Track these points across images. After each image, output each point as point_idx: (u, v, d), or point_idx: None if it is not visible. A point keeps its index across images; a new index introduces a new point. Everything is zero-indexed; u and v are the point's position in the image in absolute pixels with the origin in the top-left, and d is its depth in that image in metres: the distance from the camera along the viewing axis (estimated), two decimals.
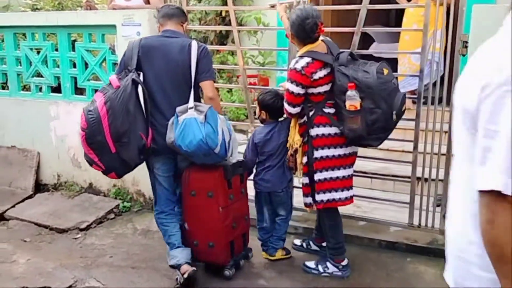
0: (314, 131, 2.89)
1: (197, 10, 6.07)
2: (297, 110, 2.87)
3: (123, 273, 3.20)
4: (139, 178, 3.54)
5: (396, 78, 2.87)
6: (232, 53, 6.01)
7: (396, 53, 5.52)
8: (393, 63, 5.70)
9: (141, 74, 2.96)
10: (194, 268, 2.96)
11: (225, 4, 5.85)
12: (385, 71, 2.69)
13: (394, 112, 2.64)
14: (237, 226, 3.12)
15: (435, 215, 3.45)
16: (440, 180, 3.42)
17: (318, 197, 2.93)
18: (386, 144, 4.60)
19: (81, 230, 3.83)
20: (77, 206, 4.22)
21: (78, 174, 4.54)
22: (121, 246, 3.58)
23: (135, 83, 2.88)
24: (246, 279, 3.08)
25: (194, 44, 2.96)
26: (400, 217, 3.66)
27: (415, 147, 3.48)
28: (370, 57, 6.72)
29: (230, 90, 5.92)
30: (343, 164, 2.90)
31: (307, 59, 2.76)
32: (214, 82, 3.05)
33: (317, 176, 2.91)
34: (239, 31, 4.42)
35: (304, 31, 2.78)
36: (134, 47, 2.98)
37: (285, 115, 3.17)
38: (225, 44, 6.23)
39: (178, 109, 2.88)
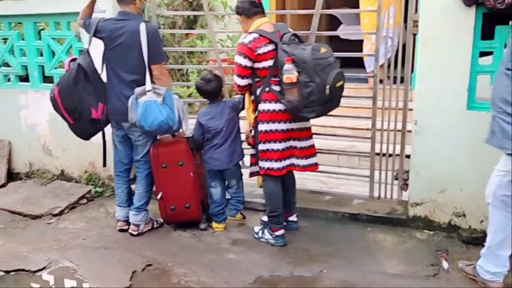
0: (261, 106, 3.11)
1: None
2: (244, 82, 3.10)
3: (96, 253, 3.30)
4: (110, 164, 3.63)
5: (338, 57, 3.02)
6: (201, 38, 6.08)
7: (358, 34, 5.66)
8: (361, 45, 5.90)
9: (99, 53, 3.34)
10: (126, 227, 3.55)
11: None
12: (322, 50, 2.91)
13: (327, 87, 2.82)
14: (203, 186, 3.60)
15: (393, 188, 3.64)
16: (397, 155, 3.61)
17: (261, 164, 3.18)
18: (352, 122, 4.88)
19: (54, 215, 3.91)
20: (50, 193, 4.29)
21: (49, 161, 4.60)
22: (94, 229, 3.68)
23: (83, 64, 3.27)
24: (216, 254, 3.22)
25: (143, 27, 3.17)
26: (363, 191, 3.85)
27: (373, 125, 3.65)
28: (337, 38, 6.93)
29: (199, 75, 6.03)
30: (284, 138, 3.12)
31: (254, 35, 2.99)
32: (164, 64, 3.38)
33: (261, 147, 3.15)
34: (201, 16, 4.50)
35: (248, 3, 3.05)
36: (92, 26, 3.30)
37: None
38: (193, 29, 6.29)
39: (137, 91, 3.18)
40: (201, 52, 6.36)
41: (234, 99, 3.52)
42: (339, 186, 4.14)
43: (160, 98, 3.16)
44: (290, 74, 2.85)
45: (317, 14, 3.72)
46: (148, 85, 3.18)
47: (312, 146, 3.26)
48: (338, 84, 2.91)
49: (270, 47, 3.00)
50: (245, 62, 3.01)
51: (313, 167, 3.27)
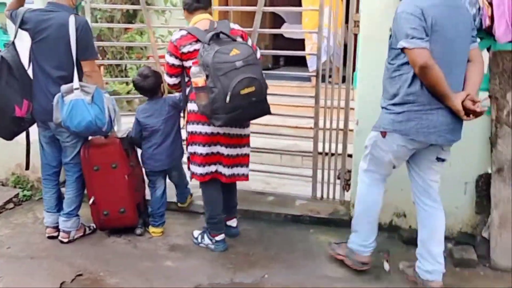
0: (189, 106, 2.96)
1: None
2: (174, 80, 2.96)
3: (21, 263, 3.04)
4: (39, 166, 3.37)
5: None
6: (141, 33, 5.84)
7: (299, 33, 5.64)
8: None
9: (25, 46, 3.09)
10: (55, 234, 3.30)
11: None
12: (234, 52, 2.63)
13: (229, 94, 2.56)
14: (140, 189, 3.45)
15: (335, 188, 3.62)
16: (339, 154, 3.58)
17: (191, 168, 3.04)
18: (295, 121, 4.85)
19: None
20: None
21: None
22: (21, 236, 3.40)
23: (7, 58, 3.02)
24: (152, 262, 3.06)
25: (72, 20, 2.96)
26: (306, 191, 3.81)
27: (316, 124, 3.61)
28: (281, 36, 6.87)
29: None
30: (208, 142, 2.92)
31: (182, 32, 2.84)
32: (96, 59, 3.15)
33: (188, 149, 3.01)
34: (148, 10, 4.31)
35: (184, 3, 2.94)
36: (18, 17, 3.04)
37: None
38: (133, 23, 6.03)
39: (63, 88, 2.95)
40: (141, 48, 6.12)
41: (175, 97, 3.33)
42: (282, 186, 4.09)
43: (89, 96, 2.94)
44: (196, 77, 2.68)
45: (259, 12, 3.64)
46: (76, 82, 2.95)
47: (244, 155, 3.04)
48: (244, 92, 2.60)
49: (196, 46, 2.80)
50: (172, 60, 2.87)
51: (239, 178, 3.06)
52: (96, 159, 3.16)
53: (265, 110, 2.82)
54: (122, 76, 6.09)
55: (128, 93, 5.83)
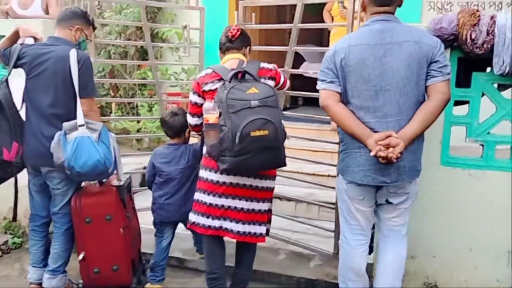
0: (204, 149, 2.69)
1: (114, 23, 5.66)
2: (195, 121, 2.73)
3: None
4: None
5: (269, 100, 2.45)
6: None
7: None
8: None
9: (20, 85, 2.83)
10: None
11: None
12: (252, 90, 2.42)
13: (238, 134, 2.31)
14: (135, 243, 3.11)
15: None
16: None
17: (190, 217, 2.73)
18: (311, 168, 4.49)
19: None
20: None
21: None
22: None
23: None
24: None
25: (73, 55, 2.69)
26: (324, 247, 3.43)
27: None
28: (301, 76, 6.60)
29: (150, 109, 5.56)
30: (213, 191, 2.61)
31: (208, 70, 2.65)
32: (95, 97, 2.87)
33: (195, 195, 2.73)
34: (154, 47, 4.11)
35: (224, 37, 2.73)
36: (13, 53, 2.80)
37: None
38: (146, 60, 5.82)
39: (66, 126, 2.66)
40: (154, 85, 5.90)
41: (197, 145, 3.08)
42: (297, 239, 3.68)
43: (95, 134, 2.67)
44: (208, 114, 2.47)
45: (290, 52, 3.48)
46: (80, 118, 2.66)
47: (261, 212, 2.66)
48: (255, 134, 2.34)
49: (219, 84, 2.57)
50: (194, 98, 2.65)
51: (252, 238, 2.66)
52: (88, 210, 2.81)
53: (279, 161, 2.48)
54: (133, 114, 5.86)
55: (138, 131, 5.59)
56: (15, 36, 2.89)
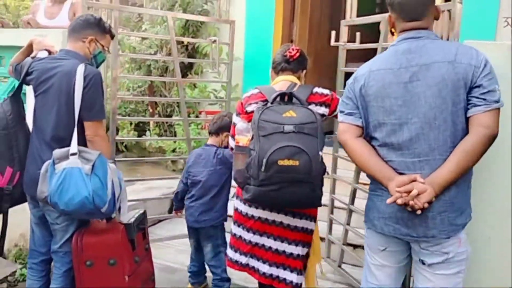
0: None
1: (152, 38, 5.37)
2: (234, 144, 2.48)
3: None
4: None
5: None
6: (195, 86, 5.28)
7: None
8: None
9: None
10: None
11: (185, 32, 5.21)
12: (288, 113, 2.15)
13: (264, 160, 2.03)
14: None
15: None
16: None
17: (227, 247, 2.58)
18: None
19: None
20: None
21: None
22: None
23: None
24: None
25: (80, 70, 2.32)
26: None
27: None
28: None
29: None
30: (243, 223, 2.42)
31: (254, 91, 2.44)
32: (102, 120, 2.44)
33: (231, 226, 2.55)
34: (182, 62, 3.76)
35: (281, 56, 2.50)
36: (23, 68, 2.49)
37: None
38: (186, 76, 5.49)
39: (56, 154, 2.29)
40: (195, 103, 5.56)
41: (228, 151, 2.88)
42: None
43: (89, 165, 2.24)
44: (241, 135, 2.31)
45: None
46: (74, 146, 2.28)
47: (294, 256, 2.33)
48: (283, 163, 2.04)
49: None
50: (237, 120, 2.43)
51: (281, 285, 2.34)
52: (90, 251, 2.39)
53: (311, 199, 2.13)
54: (171, 132, 5.53)
55: (173, 151, 5.24)
56: (29, 49, 2.58)
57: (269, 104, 2.22)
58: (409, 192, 1.74)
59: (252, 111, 2.30)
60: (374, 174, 1.89)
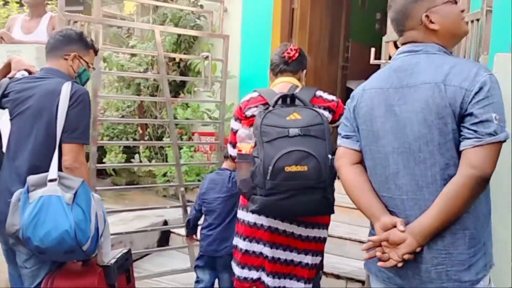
0: None
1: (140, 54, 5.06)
2: (235, 152, 2.38)
3: None
4: None
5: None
6: (187, 105, 4.95)
7: None
8: None
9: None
10: None
11: (177, 48, 4.92)
12: (293, 116, 2.04)
13: (270, 169, 1.93)
14: None
15: None
16: None
17: (232, 266, 2.45)
18: (345, 232, 3.60)
19: None
20: None
21: None
22: None
23: None
24: None
25: (65, 88, 2.03)
26: None
27: None
28: None
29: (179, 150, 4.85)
30: (250, 236, 2.30)
31: (253, 94, 2.35)
32: (83, 144, 2.11)
33: (234, 240, 2.45)
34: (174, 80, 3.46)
35: (278, 58, 2.39)
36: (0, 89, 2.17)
37: None
38: (178, 95, 5.17)
39: (31, 180, 1.95)
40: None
41: None
42: None
43: (70, 193, 1.91)
44: (243, 142, 2.22)
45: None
46: (53, 171, 1.94)
47: (301, 265, 2.27)
48: (291, 169, 1.93)
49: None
50: (236, 125, 2.35)
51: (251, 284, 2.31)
52: None
53: (323, 205, 2.05)
54: (161, 154, 5.18)
55: (164, 175, 4.89)
56: (7, 69, 2.29)
57: (270, 108, 2.11)
58: (387, 240, 1.49)
59: (252, 116, 2.23)
60: (364, 211, 1.63)
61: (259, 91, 2.33)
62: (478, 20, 2.11)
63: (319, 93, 2.31)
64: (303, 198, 1.97)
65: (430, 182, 1.47)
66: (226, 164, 2.92)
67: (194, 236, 3.06)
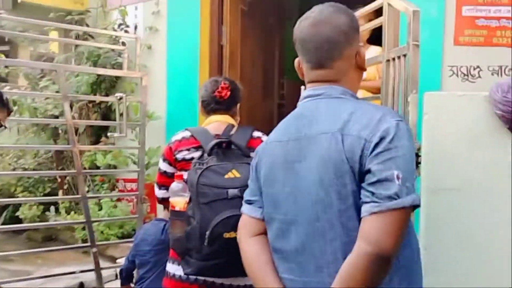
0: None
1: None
2: (162, 193, 2.24)
3: None
4: None
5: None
6: (106, 152, 4.52)
7: None
8: None
9: None
10: None
11: (97, 88, 4.53)
12: (232, 174, 1.90)
13: (207, 234, 1.82)
14: None
15: None
16: None
17: None
18: None
19: None
20: None
21: None
22: None
23: None
24: None
25: None
26: None
27: None
28: None
29: (98, 203, 4.38)
30: None
31: (185, 133, 2.19)
32: None
33: None
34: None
35: (209, 96, 2.24)
36: None
37: None
38: (100, 138, 4.73)
39: None
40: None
41: None
42: None
43: None
44: (175, 197, 2.01)
45: None
46: None
47: None
48: (230, 236, 1.79)
49: (196, 154, 2.10)
50: (164, 166, 2.20)
51: None
52: None
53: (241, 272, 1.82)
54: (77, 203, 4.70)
55: (84, 228, 4.39)
56: None
57: (207, 159, 1.96)
58: None
59: (183, 160, 2.10)
60: (254, 282, 1.34)
61: (192, 131, 2.18)
62: (405, 55, 1.90)
63: (256, 133, 2.18)
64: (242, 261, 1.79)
65: (331, 261, 1.15)
66: (164, 214, 2.70)
67: (131, 285, 2.85)
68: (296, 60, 1.37)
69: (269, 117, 5.36)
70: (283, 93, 5.71)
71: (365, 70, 1.35)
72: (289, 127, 1.29)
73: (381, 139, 1.11)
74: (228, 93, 2.20)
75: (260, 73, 5.22)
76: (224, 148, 2.00)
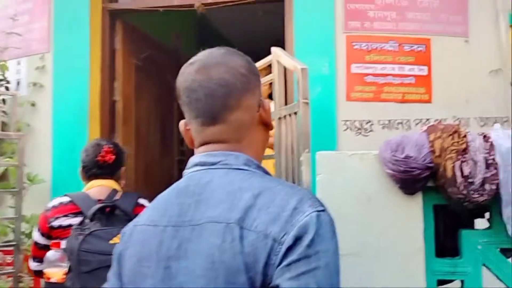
0: None
1: None
2: (36, 266, 2.12)
3: None
4: None
5: None
6: None
7: None
8: None
9: None
10: None
11: None
12: (117, 239, 1.76)
13: None
14: None
15: None
16: None
17: None
18: None
19: None
20: None
21: None
22: None
23: None
24: None
25: None
26: None
27: None
28: None
29: None
30: None
31: (63, 199, 2.10)
32: None
33: None
34: None
35: (91, 161, 2.17)
36: None
37: None
38: None
39: None
40: None
41: None
42: None
43: None
44: (51, 267, 1.89)
45: None
46: None
47: None
48: None
49: (74, 220, 2.00)
50: (37, 236, 2.10)
51: None
52: None
53: None
54: None
55: None
56: None
57: (90, 226, 1.85)
58: None
59: (60, 228, 2.02)
60: None
61: (72, 196, 2.11)
62: (295, 113, 1.83)
63: (141, 201, 2.13)
64: None
65: None
66: None
67: None
68: (181, 122, 1.04)
69: (169, 174, 5.13)
70: (183, 149, 5.53)
71: (271, 128, 1.05)
72: (169, 207, 0.93)
73: (296, 240, 0.79)
74: (113, 157, 2.13)
75: (158, 129, 5.02)
76: (108, 213, 1.92)
